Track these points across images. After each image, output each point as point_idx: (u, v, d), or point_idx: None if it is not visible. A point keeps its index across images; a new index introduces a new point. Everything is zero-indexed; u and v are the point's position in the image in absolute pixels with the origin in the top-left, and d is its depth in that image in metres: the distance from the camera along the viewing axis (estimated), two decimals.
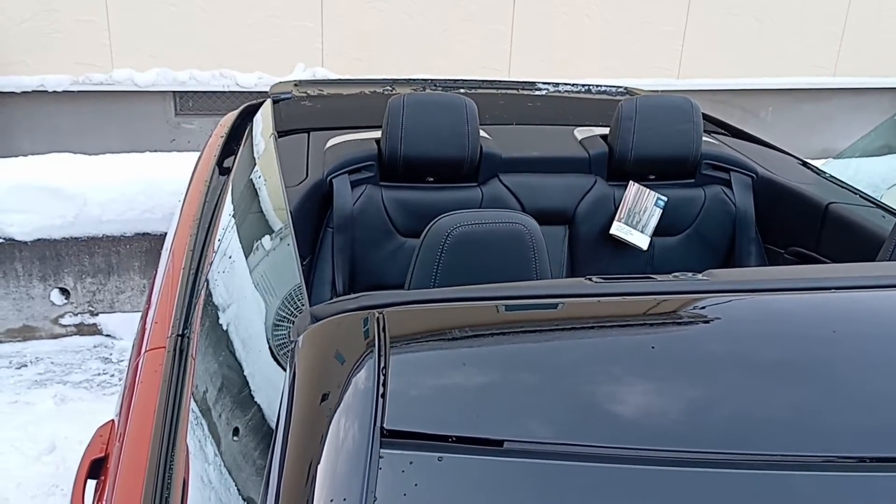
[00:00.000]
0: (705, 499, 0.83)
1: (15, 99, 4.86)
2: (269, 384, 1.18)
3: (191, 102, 5.17)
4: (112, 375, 3.61)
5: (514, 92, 3.23)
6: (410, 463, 0.84)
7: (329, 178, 2.30)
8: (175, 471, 1.24)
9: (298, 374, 0.99)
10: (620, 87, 3.37)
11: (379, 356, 0.96)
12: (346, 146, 2.41)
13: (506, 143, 2.47)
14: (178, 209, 2.41)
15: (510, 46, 5.56)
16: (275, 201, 1.85)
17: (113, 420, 1.58)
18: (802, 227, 2.42)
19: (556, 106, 3.14)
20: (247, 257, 1.70)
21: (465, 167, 2.34)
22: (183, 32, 4.96)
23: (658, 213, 2.47)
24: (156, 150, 4.53)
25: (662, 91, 3.31)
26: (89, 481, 1.45)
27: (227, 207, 2.07)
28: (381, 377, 0.92)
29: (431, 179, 2.38)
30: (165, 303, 1.80)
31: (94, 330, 3.89)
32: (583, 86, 3.35)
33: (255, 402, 1.19)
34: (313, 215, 2.29)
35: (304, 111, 2.90)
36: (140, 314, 2.03)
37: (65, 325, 3.85)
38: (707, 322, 1.09)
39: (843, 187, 2.43)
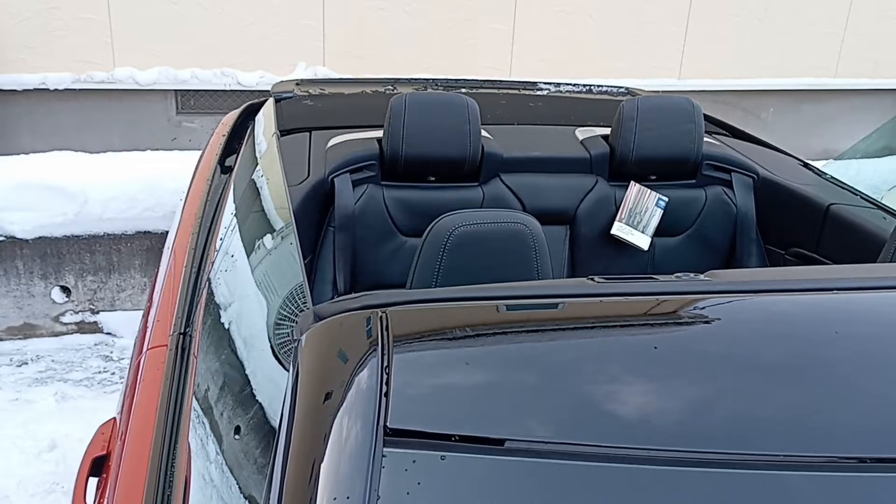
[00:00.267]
0: (707, 499, 0.83)
1: (16, 97, 4.86)
2: (270, 383, 1.18)
3: (192, 101, 5.18)
4: (113, 373, 3.62)
5: (516, 92, 3.23)
6: (413, 462, 0.84)
7: (331, 178, 2.30)
8: (177, 469, 1.25)
9: (301, 373, 0.99)
10: (622, 87, 3.38)
11: (382, 355, 0.96)
12: (347, 145, 2.41)
13: (507, 142, 2.47)
14: (179, 208, 2.41)
15: (511, 46, 5.56)
16: (277, 200, 1.85)
17: (115, 418, 1.59)
18: (803, 228, 2.42)
19: (557, 106, 3.14)
20: (249, 256, 1.70)
21: (466, 167, 2.35)
22: (184, 31, 4.96)
23: (659, 213, 2.47)
24: (157, 149, 4.54)
25: (663, 91, 3.31)
26: (91, 479, 1.45)
27: (229, 206, 2.07)
28: (384, 376, 0.93)
29: (433, 179, 2.38)
30: (167, 301, 1.80)
31: (94, 328, 3.89)
32: (584, 86, 3.35)
33: (257, 401, 1.19)
34: (315, 214, 2.29)
35: (306, 110, 2.90)
36: (141, 312, 2.03)
37: (66, 323, 3.85)
38: (709, 323, 1.10)
39: (844, 188, 2.44)
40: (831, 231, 2.34)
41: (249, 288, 1.59)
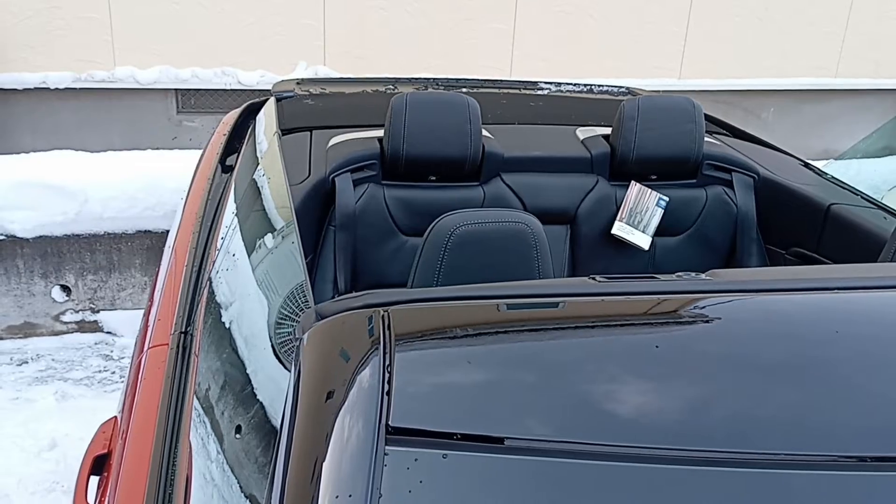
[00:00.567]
0: (707, 497, 0.83)
1: (17, 96, 4.86)
2: (271, 382, 1.18)
3: (193, 100, 5.18)
4: (113, 373, 3.62)
5: (517, 91, 3.23)
6: (415, 460, 0.84)
7: (331, 177, 2.30)
8: (178, 467, 1.25)
9: (303, 372, 0.99)
10: (622, 87, 3.38)
11: (384, 354, 0.96)
12: (348, 145, 2.42)
13: (508, 142, 2.47)
14: (180, 207, 2.41)
15: (512, 46, 5.56)
16: (278, 199, 1.85)
17: (115, 416, 1.59)
18: (804, 227, 2.42)
19: (558, 106, 3.14)
20: (250, 255, 1.70)
21: (467, 166, 2.35)
22: (185, 30, 4.96)
23: (660, 213, 2.47)
24: (158, 148, 4.54)
25: (664, 91, 3.31)
26: (92, 477, 1.45)
27: (230, 205, 2.07)
28: (386, 375, 0.93)
29: (434, 178, 2.38)
30: (168, 300, 1.80)
31: (95, 327, 3.89)
32: (585, 86, 3.35)
33: (258, 400, 1.19)
34: (315, 214, 2.29)
35: (307, 109, 2.90)
36: (142, 311, 2.03)
37: (66, 323, 3.85)
38: (709, 322, 1.10)
39: (844, 188, 2.44)
40: (832, 231, 2.34)
41: (250, 287, 1.59)
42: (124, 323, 3.86)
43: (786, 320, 1.10)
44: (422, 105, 2.30)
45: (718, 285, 1.18)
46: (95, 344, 3.84)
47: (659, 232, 2.49)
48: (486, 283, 1.22)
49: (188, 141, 5.16)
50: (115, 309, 3.90)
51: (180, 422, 1.35)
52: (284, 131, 2.53)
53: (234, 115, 3.01)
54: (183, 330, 1.63)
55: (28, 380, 3.51)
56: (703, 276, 1.21)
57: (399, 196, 2.36)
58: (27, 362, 3.65)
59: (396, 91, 2.95)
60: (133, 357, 1.78)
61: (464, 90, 2.94)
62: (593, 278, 1.19)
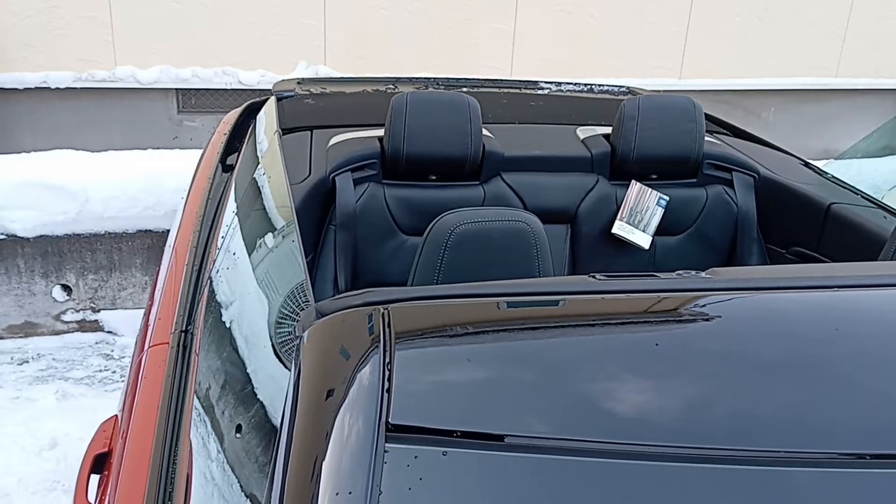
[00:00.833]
0: (708, 495, 0.83)
1: (17, 95, 4.87)
2: (272, 381, 1.18)
3: (193, 100, 5.18)
4: (114, 372, 3.62)
5: (517, 91, 3.23)
6: (415, 457, 0.84)
7: (332, 176, 2.30)
8: (178, 466, 1.25)
9: (304, 370, 0.99)
10: (623, 86, 3.38)
11: (384, 352, 0.96)
12: (348, 144, 2.42)
13: (508, 141, 2.47)
14: (180, 206, 2.41)
15: (513, 45, 5.56)
16: (279, 199, 1.85)
17: (116, 415, 1.59)
18: (804, 227, 2.42)
19: (558, 105, 3.14)
20: (250, 254, 1.70)
21: (467, 166, 2.35)
22: (186, 30, 4.96)
23: (660, 212, 2.47)
24: (158, 148, 4.54)
25: (665, 91, 3.31)
26: (93, 476, 1.45)
27: (231, 205, 2.07)
28: (387, 372, 0.93)
29: (434, 178, 2.38)
30: (169, 299, 1.80)
31: (95, 326, 3.89)
32: (585, 85, 3.35)
33: (259, 399, 1.20)
34: (316, 213, 2.29)
35: (307, 109, 2.90)
36: (143, 310, 2.03)
37: (66, 322, 3.85)
38: (710, 320, 1.10)
39: (844, 188, 2.44)
40: (832, 230, 2.34)
41: (251, 286, 1.59)
42: (125, 322, 3.86)
43: (786, 318, 1.10)
44: (422, 104, 2.30)
45: (718, 283, 1.18)
46: (96, 343, 3.84)
47: (659, 231, 2.49)
48: (486, 281, 1.22)
49: (189, 140, 5.16)
50: (116, 308, 3.90)
51: (181, 420, 1.35)
52: (285, 130, 2.53)
53: (234, 114, 3.01)
54: (183, 329, 1.63)
55: (29, 379, 3.51)
56: (703, 274, 1.21)
57: (399, 195, 2.36)
58: (28, 361, 3.65)
59: (397, 90, 2.95)
60: (133, 356, 1.78)
61: (464, 90, 2.94)
62: (593, 276, 1.19)
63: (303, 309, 1.23)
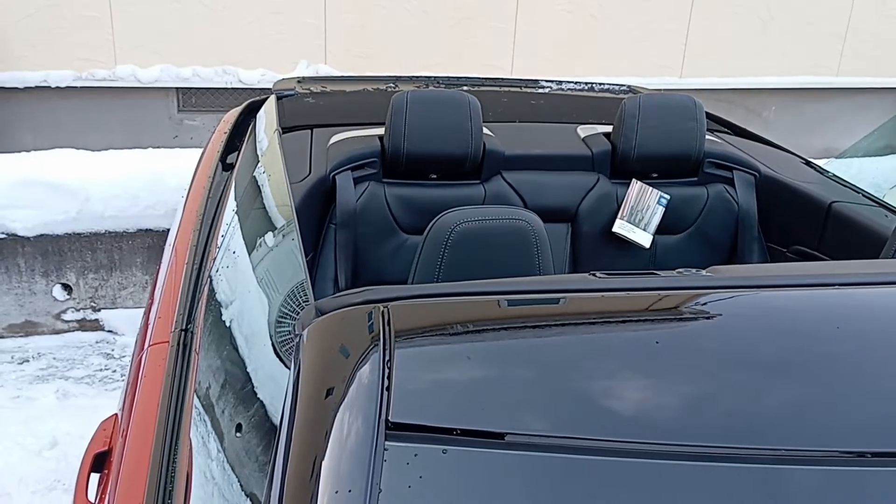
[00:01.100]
0: (709, 493, 0.83)
1: (18, 94, 4.87)
2: (272, 379, 1.18)
3: (194, 99, 5.18)
4: (114, 371, 3.62)
5: (518, 89, 3.23)
6: (415, 455, 0.84)
7: (332, 175, 2.30)
8: (178, 465, 1.25)
9: (303, 369, 0.99)
10: (623, 85, 3.37)
11: (384, 350, 0.96)
12: (349, 143, 2.41)
13: (509, 140, 2.47)
14: (180, 205, 2.41)
15: (513, 44, 5.56)
16: (279, 197, 1.85)
17: (116, 414, 1.59)
18: (805, 225, 2.42)
19: (559, 104, 3.14)
20: (250, 253, 1.70)
21: (467, 164, 2.34)
22: (186, 29, 4.96)
23: (661, 211, 2.47)
24: (159, 147, 4.53)
25: (665, 90, 3.31)
26: (93, 475, 1.45)
27: (231, 203, 2.07)
28: (386, 371, 0.93)
29: (434, 176, 2.38)
30: (169, 298, 1.80)
31: (96, 326, 3.89)
32: (586, 84, 3.35)
33: (259, 397, 1.19)
34: (316, 212, 2.29)
35: (308, 108, 2.90)
36: (143, 309, 2.03)
37: (67, 321, 3.85)
38: (710, 318, 1.10)
39: (846, 186, 2.43)
40: (833, 229, 2.33)
41: (251, 285, 1.59)
42: (125, 321, 3.86)
43: (786, 316, 1.10)
44: (422, 103, 2.29)
45: (719, 281, 1.18)
46: (96, 342, 3.84)
47: (660, 230, 2.48)
48: (486, 279, 1.22)
49: (189, 139, 5.16)
50: (116, 307, 3.90)
51: (181, 419, 1.35)
52: (285, 129, 2.52)
53: (234, 113, 3.00)
54: (183, 327, 1.63)
55: (29, 378, 3.51)
56: (703, 272, 1.20)
57: (400, 194, 2.35)
58: (28, 361, 3.65)
59: (397, 89, 2.95)
60: (133, 355, 1.78)
61: (465, 88, 2.94)
62: (594, 274, 1.19)
63: (303, 308, 1.23)
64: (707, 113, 2.53)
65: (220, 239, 1.90)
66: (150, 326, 1.76)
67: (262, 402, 1.17)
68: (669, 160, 2.46)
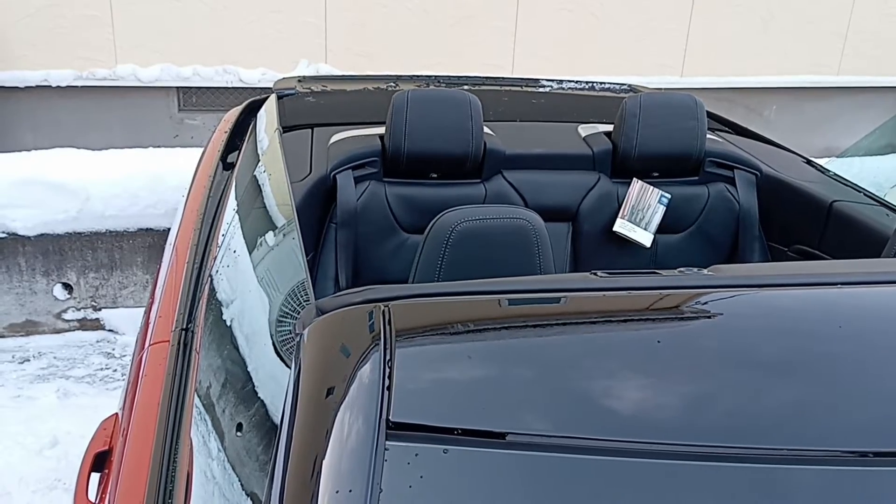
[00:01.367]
0: (711, 492, 0.83)
1: (18, 94, 4.87)
2: (273, 378, 1.18)
3: (194, 98, 5.18)
4: (115, 370, 3.62)
5: (518, 89, 3.23)
6: (416, 455, 0.84)
7: (332, 174, 2.30)
8: (179, 464, 1.24)
9: (304, 368, 0.99)
10: (624, 84, 3.37)
11: (384, 349, 0.96)
12: (349, 142, 2.41)
13: (509, 139, 2.47)
14: (181, 204, 2.41)
15: (514, 44, 5.55)
16: (279, 196, 1.84)
17: (117, 413, 1.59)
18: (806, 224, 2.42)
19: (559, 103, 3.14)
20: (251, 252, 1.70)
21: (468, 163, 2.34)
22: (186, 28, 4.96)
23: (661, 210, 2.46)
24: (159, 146, 4.53)
25: (666, 89, 3.30)
26: (93, 474, 1.45)
27: (231, 203, 2.07)
28: (387, 370, 0.92)
29: (435, 176, 2.37)
30: (169, 297, 1.80)
31: (96, 325, 3.89)
32: (586, 83, 3.34)
33: (259, 397, 1.19)
34: (317, 211, 2.29)
35: (308, 107, 2.90)
36: (144, 309, 2.03)
37: (68, 320, 3.85)
38: (712, 317, 1.09)
39: (847, 185, 2.43)
40: (834, 228, 2.33)
41: (251, 284, 1.59)
42: (126, 321, 3.86)
43: (788, 315, 1.09)
44: (423, 102, 2.29)
45: (720, 280, 1.17)
46: (97, 342, 3.83)
47: (661, 229, 2.48)
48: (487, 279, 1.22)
49: (190, 139, 5.16)
50: (117, 307, 3.90)
51: (181, 418, 1.35)
52: (285, 128, 2.52)
53: (235, 112, 3.00)
54: (184, 327, 1.63)
55: (30, 377, 3.51)
56: (704, 271, 1.20)
57: (400, 193, 2.35)
58: (29, 360, 3.65)
59: (398, 88, 2.95)
60: (134, 354, 1.78)
61: (465, 87, 2.93)
62: (595, 273, 1.18)
63: (303, 307, 1.23)
64: (708, 112, 2.53)
65: (220, 238, 1.89)
66: (150, 326, 1.76)
67: (262, 401, 1.17)
68: (670, 159, 2.45)
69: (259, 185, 2.02)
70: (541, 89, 3.22)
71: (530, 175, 2.45)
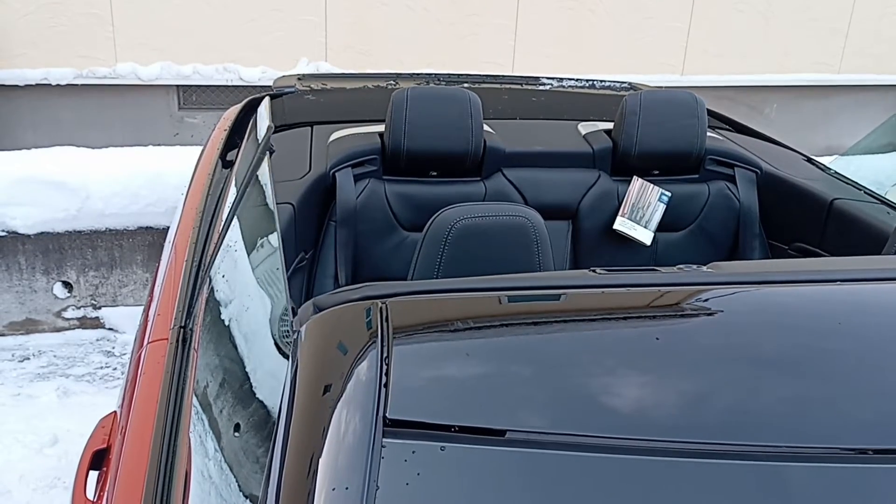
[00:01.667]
0: (710, 490, 0.82)
1: (18, 92, 4.86)
2: (271, 376, 1.18)
3: (194, 96, 5.17)
4: (114, 369, 3.62)
5: (518, 87, 3.22)
6: (413, 452, 0.84)
7: (332, 172, 2.29)
8: (177, 462, 1.24)
9: (301, 365, 0.99)
10: (624, 82, 3.36)
11: (382, 346, 0.95)
12: (349, 140, 2.41)
13: (509, 137, 2.47)
14: (180, 202, 2.40)
15: (514, 42, 5.55)
16: (262, 198, 1.84)
17: (115, 411, 1.58)
18: (807, 222, 2.41)
19: (559, 101, 3.13)
20: (249, 250, 1.70)
21: (468, 161, 2.34)
22: (187, 26, 4.95)
23: (662, 208, 2.46)
24: (159, 144, 4.53)
25: (667, 87, 3.30)
26: (91, 472, 1.44)
27: (230, 201, 2.06)
28: (384, 367, 0.92)
29: (435, 174, 2.37)
30: (168, 295, 1.80)
31: (96, 323, 3.89)
32: (587, 81, 3.34)
33: (258, 394, 1.19)
34: (316, 208, 2.29)
35: (308, 105, 2.89)
36: (143, 307, 2.03)
37: (67, 319, 3.85)
38: (711, 314, 1.09)
39: (847, 183, 2.43)
40: (835, 226, 2.33)
41: (250, 282, 1.58)
42: (126, 319, 3.86)
43: (788, 312, 1.09)
44: (423, 100, 2.29)
45: (720, 278, 1.17)
46: (97, 340, 3.83)
47: (661, 227, 2.48)
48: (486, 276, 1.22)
49: (190, 137, 5.15)
50: (117, 305, 3.90)
51: (180, 417, 1.34)
52: (286, 127, 2.52)
53: (234, 110, 3.00)
54: (182, 324, 1.63)
55: (30, 376, 3.50)
56: (704, 268, 1.20)
57: (400, 191, 2.35)
58: (29, 358, 3.65)
59: (397, 86, 2.94)
60: (133, 352, 1.78)
61: (465, 85, 2.93)
62: (594, 270, 1.18)
63: (283, 308, 1.23)
64: (708, 110, 2.52)
65: (219, 236, 1.89)
66: (149, 323, 1.75)
67: (260, 399, 1.16)
68: (671, 157, 2.45)
69: (253, 184, 2.01)
70: (541, 87, 3.22)
71: (530, 173, 2.45)
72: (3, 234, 3.63)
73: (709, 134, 2.50)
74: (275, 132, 2.57)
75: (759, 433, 0.87)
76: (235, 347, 1.39)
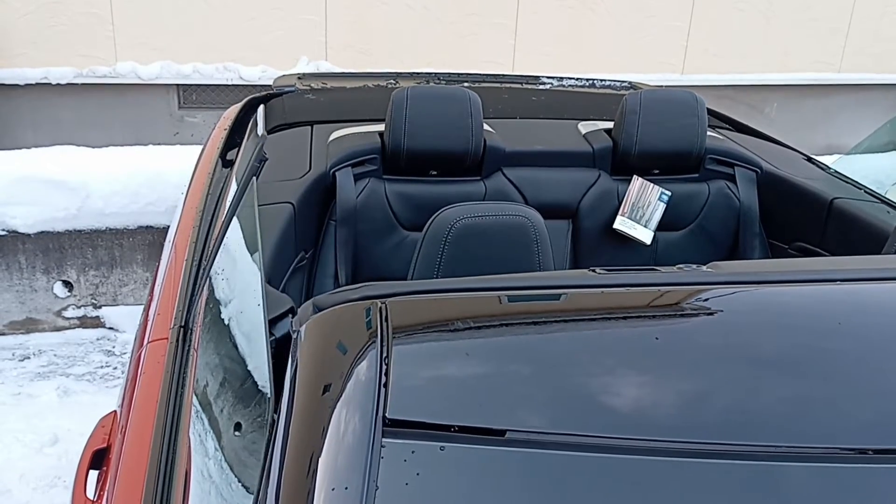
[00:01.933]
0: (710, 490, 0.82)
1: (18, 91, 4.86)
2: (271, 376, 1.17)
3: (194, 96, 5.17)
4: (115, 368, 3.62)
5: (518, 86, 3.22)
6: (412, 452, 0.84)
7: (332, 171, 2.29)
8: (177, 462, 1.24)
9: (300, 365, 0.99)
10: (625, 81, 3.36)
11: (381, 346, 0.95)
12: (349, 139, 2.41)
13: (509, 136, 2.46)
14: (180, 202, 2.40)
15: (514, 41, 5.55)
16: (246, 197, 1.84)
17: (115, 411, 1.58)
18: (807, 222, 2.41)
19: (559, 100, 3.13)
20: (249, 250, 1.70)
21: (468, 161, 2.34)
22: (187, 25, 4.95)
23: (662, 207, 2.46)
24: (159, 144, 4.53)
25: (667, 86, 3.30)
26: (91, 472, 1.44)
27: (230, 200, 2.06)
28: (384, 367, 0.92)
29: (435, 173, 2.37)
30: (168, 294, 1.79)
31: (96, 323, 3.89)
32: (587, 80, 3.34)
33: (257, 394, 1.19)
34: (316, 208, 2.29)
35: (308, 104, 2.89)
36: (143, 306, 2.03)
37: (68, 318, 3.85)
38: (711, 313, 1.09)
39: (847, 183, 2.43)
40: (835, 225, 2.33)
41: (249, 281, 1.58)
42: (126, 318, 3.86)
43: (788, 312, 1.09)
44: (423, 99, 2.29)
45: (720, 277, 1.17)
46: (97, 339, 3.83)
47: (661, 227, 2.48)
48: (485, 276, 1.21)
49: (190, 136, 5.15)
50: (117, 304, 3.90)
51: (180, 416, 1.34)
52: (286, 126, 2.52)
53: (234, 109, 2.99)
54: (182, 324, 1.63)
55: (30, 375, 3.51)
56: (704, 267, 1.20)
57: (400, 191, 2.35)
58: (29, 358, 3.65)
59: (397, 85, 2.94)
60: (133, 351, 1.77)
61: (465, 84, 2.93)
62: (593, 270, 1.18)
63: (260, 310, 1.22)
64: (708, 109, 2.52)
65: (219, 235, 1.89)
66: (149, 323, 1.75)
67: (260, 398, 1.16)
68: (671, 156, 2.45)
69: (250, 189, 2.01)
70: (541, 86, 3.22)
71: (530, 172, 2.45)
72: (4, 233, 3.63)
73: (709, 133, 2.50)
74: (275, 131, 2.57)
75: (758, 433, 0.87)
76: (236, 347, 1.39)
